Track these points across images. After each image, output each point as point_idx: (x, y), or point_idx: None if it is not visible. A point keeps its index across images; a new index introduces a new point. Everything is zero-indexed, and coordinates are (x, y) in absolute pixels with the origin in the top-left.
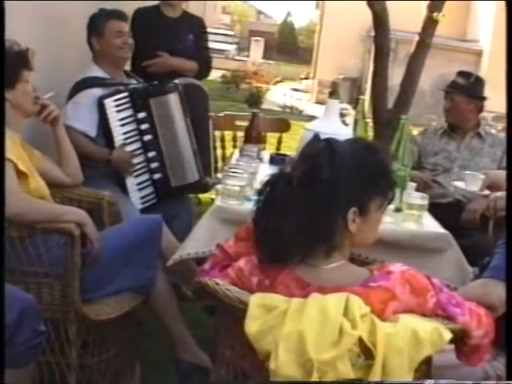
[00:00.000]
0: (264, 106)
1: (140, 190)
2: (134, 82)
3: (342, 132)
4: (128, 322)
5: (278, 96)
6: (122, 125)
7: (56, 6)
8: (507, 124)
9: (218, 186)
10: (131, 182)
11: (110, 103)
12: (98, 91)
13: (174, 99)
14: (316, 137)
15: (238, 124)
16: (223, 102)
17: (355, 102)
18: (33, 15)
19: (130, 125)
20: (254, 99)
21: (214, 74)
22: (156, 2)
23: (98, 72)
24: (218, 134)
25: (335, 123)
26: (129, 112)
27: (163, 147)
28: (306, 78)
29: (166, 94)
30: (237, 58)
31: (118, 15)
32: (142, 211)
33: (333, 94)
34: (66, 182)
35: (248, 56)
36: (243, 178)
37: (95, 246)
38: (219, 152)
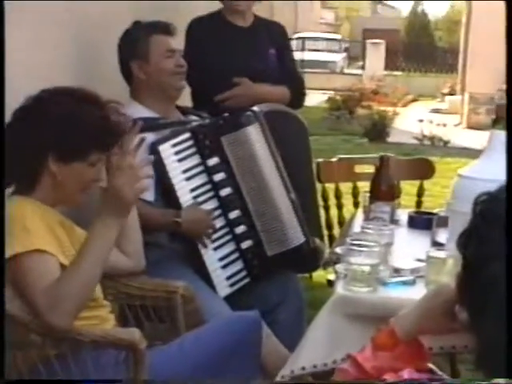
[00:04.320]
0: (392, 138)
1: (224, 267)
2: (194, 118)
3: None
4: None
5: (411, 122)
6: (188, 178)
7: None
8: (507, 122)
9: (338, 267)
10: (211, 258)
11: (167, 150)
12: (147, 137)
13: (254, 133)
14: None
15: (358, 172)
16: (333, 136)
17: None
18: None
19: (199, 177)
20: (378, 130)
21: (317, 98)
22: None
23: (141, 111)
24: (330, 186)
25: (503, 164)
26: (195, 160)
27: (249, 202)
28: (451, 94)
29: (241, 128)
30: (347, 71)
31: (165, 28)
32: (230, 298)
33: (498, 121)
34: (124, 268)
35: (363, 68)
36: (374, 253)
37: None
38: (334, 212)
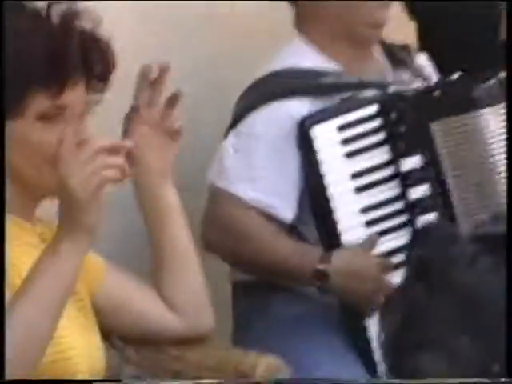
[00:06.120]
0: None
1: None
2: (401, 78)
3: None
4: None
5: None
6: (361, 188)
7: None
8: (507, 123)
9: None
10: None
11: (327, 135)
12: (300, 105)
13: (495, 121)
14: None
15: None
16: None
17: None
18: None
19: (385, 187)
20: None
21: None
22: None
23: (308, 54)
24: None
25: None
26: (379, 156)
27: None
28: None
29: (473, 109)
30: None
31: None
32: None
33: None
34: (167, 330)
35: None
36: None
37: None
38: None
